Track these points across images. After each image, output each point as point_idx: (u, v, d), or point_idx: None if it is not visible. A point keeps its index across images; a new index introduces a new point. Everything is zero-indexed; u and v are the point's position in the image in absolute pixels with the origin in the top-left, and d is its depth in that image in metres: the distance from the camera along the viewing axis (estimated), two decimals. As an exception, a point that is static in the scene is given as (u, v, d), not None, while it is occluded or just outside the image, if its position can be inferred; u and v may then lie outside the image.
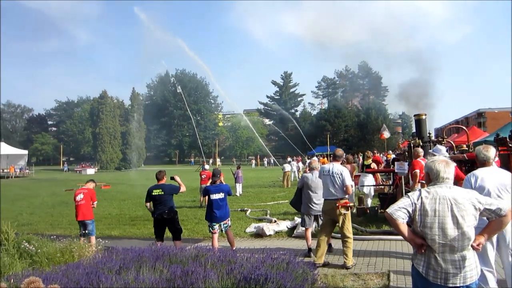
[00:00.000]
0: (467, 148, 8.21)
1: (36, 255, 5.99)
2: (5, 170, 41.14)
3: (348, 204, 5.67)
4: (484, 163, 4.00)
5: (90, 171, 48.67)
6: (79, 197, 7.57)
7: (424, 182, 5.71)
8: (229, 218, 6.84)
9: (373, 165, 11.58)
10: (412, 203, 2.63)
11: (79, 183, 27.79)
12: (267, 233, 8.15)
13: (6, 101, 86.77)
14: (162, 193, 6.73)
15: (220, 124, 78.84)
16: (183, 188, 6.97)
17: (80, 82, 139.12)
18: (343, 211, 5.59)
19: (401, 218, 2.61)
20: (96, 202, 7.92)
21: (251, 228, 8.96)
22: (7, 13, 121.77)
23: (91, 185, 8.08)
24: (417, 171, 6.44)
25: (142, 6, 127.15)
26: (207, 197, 6.84)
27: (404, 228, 2.63)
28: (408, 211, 2.62)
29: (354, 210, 8.80)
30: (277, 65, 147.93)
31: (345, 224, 5.68)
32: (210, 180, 7.23)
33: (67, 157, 78.17)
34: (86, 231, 7.58)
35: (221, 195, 6.60)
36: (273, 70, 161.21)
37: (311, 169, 6.54)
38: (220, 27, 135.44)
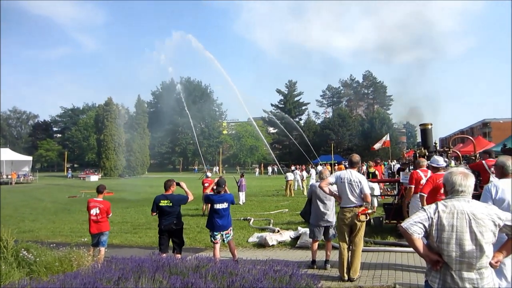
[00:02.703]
0: (474, 158, 8.08)
1: (34, 264, 5.88)
2: (8, 176, 41.23)
3: (367, 211, 5.48)
4: (506, 174, 3.86)
5: (94, 178, 48.68)
6: (94, 211, 7.17)
7: (423, 194, 5.64)
8: (231, 228, 6.72)
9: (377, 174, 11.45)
10: (428, 217, 2.51)
11: (82, 190, 27.96)
12: (270, 243, 8.01)
13: (12, 107, 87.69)
14: (171, 204, 6.55)
15: (225, 132, 78.95)
16: (191, 197, 6.83)
17: (86, 89, 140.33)
18: (362, 218, 5.41)
19: (417, 233, 2.50)
20: (111, 214, 7.54)
21: (253, 238, 8.82)
22: (15, 20, 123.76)
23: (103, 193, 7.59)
24: (412, 186, 6.37)
25: (149, 18, 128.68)
26: (209, 205, 6.72)
27: (420, 244, 2.52)
28: (424, 226, 2.50)
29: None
30: (282, 74, 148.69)
31: (360, 232, 5.52)
32: (212, 188, 7.08)
33: (72, 163, 78.47)
34: (100, 241, 7.27)
35: (224, 205, 6.52)
36: (278, 79, 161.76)
37: (322, 178, 6.26)
38: (225, 35, 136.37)
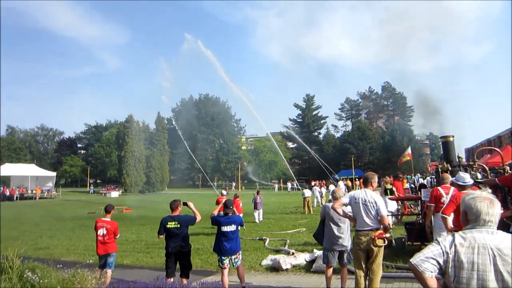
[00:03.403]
0: (502, 171, 7.47)
1: (37, 286, 5.72)
2: (33, 191, 42.24)
3: (384, 235, 5.01)
4: None
5: (114, 194, 49.36)
6: (101, 232, 7.00)
7: (445, 216, 5.13)
8: (240, 252, 6.35)
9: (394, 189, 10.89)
10: (443, 252, 2.08)
11: (101, 206, 28.13)
12: (284, 267, 7.59)
13: (40, 125, 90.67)
14: (178, 225, 6.27)
15: (243, 147, 78.95)
16: (198, 217, 6.51)
17: (110, 107, 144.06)
18: (379, 243, 4.95)
19: (429, 271, 2.07)
20: (118, 235, 7.36)
21: (267, 261, 8.41)
22: (43, 41, 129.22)
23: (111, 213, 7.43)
24: (431, 205, 5.87)
25: (169, 36, 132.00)
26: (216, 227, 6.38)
27: (433, 283, 2.08)
28: (438, 262, 2.08)
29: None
30: (299, 88, 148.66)
31: (377, 258, 5.00)
32: (221, 208, 6.79)
33: (95, 179, 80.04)
34: (107, 263, 7.05)
35: (232, 227, 6.18)
36: (295, 93, 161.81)
37: (335, 198, 5.78)
38: (241, 51, 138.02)
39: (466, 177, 5.51)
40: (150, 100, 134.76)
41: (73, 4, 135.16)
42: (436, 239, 2.24)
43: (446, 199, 5.89)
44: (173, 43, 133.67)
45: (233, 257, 6.14)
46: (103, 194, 51.67)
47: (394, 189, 10.84)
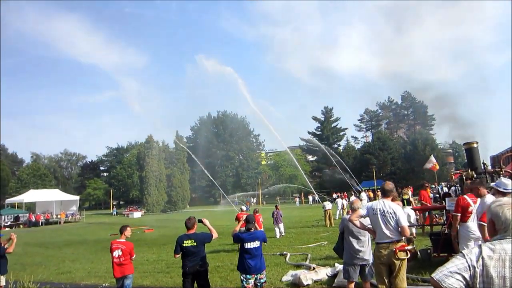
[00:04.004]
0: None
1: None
2: (58, 216, 43.08)
3: (406, 248, 4.74)
4: None
5: (137, 214, 49.81)
6: (117, 253, 6.88)
7: (483, 223, 4.79)
8: (264, 272, 6.01)
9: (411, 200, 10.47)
10: (469, 266, 1.86)
11: (124, 227, 28.36)
12: (305, 283, 7.34)
13: (63, 150, 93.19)
14: (195, 244, 6.10)
15: (263, 162, 78.78)
16: (215, 235, 6.35)
17: (130, 129, 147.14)
18: (401, 256, 4.68)
19: None
20: (134, 256, 7.23)
21: (287, 276, 8.18)
22: (67, 69, 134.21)
23: (127, 233, 7.31)
24: (458, 214, 5.56)
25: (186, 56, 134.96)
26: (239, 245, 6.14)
27: None
28: (464, 278, 1.85)
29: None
30: (317, 101, 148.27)
31: (401, 272, 4.72)
32: (242, 224, 6.55)
33: (118, 200, 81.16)
34: (124, 286, 6.91)
35: (256, 244, 5.85)
36: (313, 106, 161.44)
37: (353, 210, 5.58)
38: (258, 67, 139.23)
39: (508, 184, 5.09)
40: (169, 120, 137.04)
41: (93, 32, 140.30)
42: (461, 252, 2.02)
43: (474, 208, 5.58)
44: (189, 62, 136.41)
45: (258, 276, 5.81)
46: (126, 215, 52.18)
47: (411, 199, 10.43)
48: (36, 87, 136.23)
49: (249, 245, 5.80)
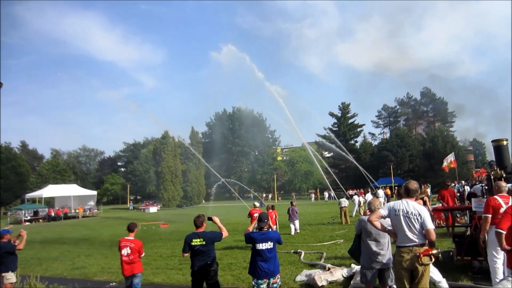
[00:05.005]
0: None
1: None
2: (76, 211, 43.80)
3: (431, 252, 4.33)
4: None
5: (153, 209, 50.31)
6: (125, 251, 6.72)
7: (501, 231, 4.32)
8: (279, 275, 5.57)
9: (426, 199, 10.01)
10: None
11: (139, 222, 28.55)
12: (319, 284, 7.03)
13: (82, 146, 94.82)
14: (204, 242, 5.84)
15: (279, 158, 78.39)
16: (225, 233, 6.07)
17: (147, 124, 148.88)
18: (425, 261, 4.30)
19: None
20: (143, 254, 7.08)
21: (301, 276, 7.90)
22: (85, 67, 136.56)
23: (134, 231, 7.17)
24: (489, 215, 5.14)
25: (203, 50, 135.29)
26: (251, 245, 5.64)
27: None
28: None
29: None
30: (334, 97, 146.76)
31: (424, 278, 4.33)
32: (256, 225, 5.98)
33: (135, 195, 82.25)
34: (132, 284, 6.79)
35: (269, 245, 5.38)
36: (330, 102, 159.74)
37: (371, 210, 5.17)
38: (275, 62, 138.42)
39: None
40: (185, 115, 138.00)
41: (110, 29, 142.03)
42: None
43: (504, 209, 5.18)
44: (206, 58, 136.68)
45: (271, 281, 5.35)
46: (142, 210, 52.81)
47: (426, 199, 9.95)
48: (55, 85, 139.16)
49: (261, 246, 5.35)
